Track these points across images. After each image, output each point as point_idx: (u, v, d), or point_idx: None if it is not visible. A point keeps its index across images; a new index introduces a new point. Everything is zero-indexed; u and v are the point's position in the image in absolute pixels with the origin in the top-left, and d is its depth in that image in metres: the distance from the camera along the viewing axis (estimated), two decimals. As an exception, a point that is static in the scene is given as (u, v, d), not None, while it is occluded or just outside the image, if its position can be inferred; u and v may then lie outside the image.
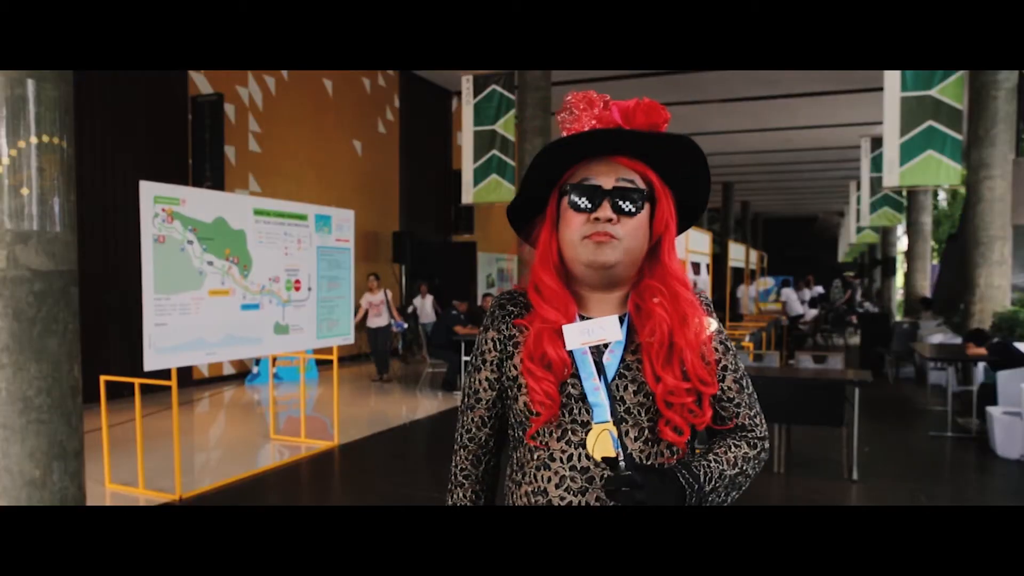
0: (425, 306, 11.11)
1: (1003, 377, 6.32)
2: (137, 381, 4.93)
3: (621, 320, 1.19)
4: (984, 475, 5.64)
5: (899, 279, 19.32)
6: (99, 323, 7.59)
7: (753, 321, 11.81)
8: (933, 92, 7.70)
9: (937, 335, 9.99)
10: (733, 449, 1.20)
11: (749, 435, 1.23)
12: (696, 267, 8.28)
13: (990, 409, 6.15)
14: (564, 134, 1.17)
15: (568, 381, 1.16)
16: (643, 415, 1.16)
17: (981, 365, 7.25)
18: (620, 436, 1.11)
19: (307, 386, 8.20)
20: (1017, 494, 5.04)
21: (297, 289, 5.71)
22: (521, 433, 1.20)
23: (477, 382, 1.26)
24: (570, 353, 1.16)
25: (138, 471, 4.84)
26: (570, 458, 1.15)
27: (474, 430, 1.27)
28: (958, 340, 8.74)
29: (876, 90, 9.28)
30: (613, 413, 1.13)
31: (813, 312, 15.17)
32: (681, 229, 1.25)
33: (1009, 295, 8.31)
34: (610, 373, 1.16)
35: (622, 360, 1.18)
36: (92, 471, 4.49)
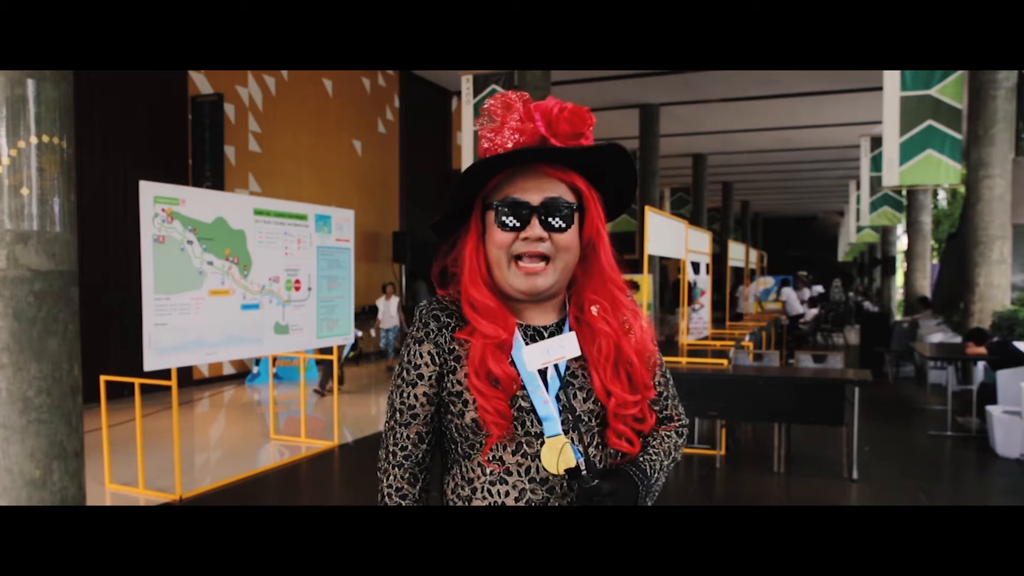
0: (389, 308, 10.38)
1: (1003, 376, 6.33)
2: (137, 381, 4.93)
3: (560, 325, 1.19)
4: (984, 474, 5.64)
5: (899, 278, 19.31)
6: (99, 323, 7.58)
7: (753, 321, 11.79)
8: (932, 91, 7.70)
9: (937, 334, 9.98)
10: (666, 440, 1.26)
11: (677, 424, 1.30)
12: (696, 267, 8.28)
13: (990, 408, 6.15)
14: (483, 141, 1.15)
15: (518, 394, 1.13)
16: (593, 421, 1.16)
17: (981, 364, 7.25)
18: (582, 446, 1.11)
19: (307, 386, 8.19)
20: (1017, 494, 5.05)
21: (297, 289, 5.71)
22: (468, 448, 1.16)
23: (412, 397, 1.19)
24: (512, 365, 1.14)
25: (138, 471, 4.84)
26: (528, 471, 1.13)
27: (410, 447, 1.19)
28: (958, 339, 8.74)
29: (876, 89, 9.28)
30: (564, 423, 1.13)
31: (813, 312, 15.17)
32: (609, 219, 1.23)
33: (1009, 294, 8.30)
34: (555, 384, 1.15)
35: (567, 368, 1.17)
36: (92, 471, 4.49)
